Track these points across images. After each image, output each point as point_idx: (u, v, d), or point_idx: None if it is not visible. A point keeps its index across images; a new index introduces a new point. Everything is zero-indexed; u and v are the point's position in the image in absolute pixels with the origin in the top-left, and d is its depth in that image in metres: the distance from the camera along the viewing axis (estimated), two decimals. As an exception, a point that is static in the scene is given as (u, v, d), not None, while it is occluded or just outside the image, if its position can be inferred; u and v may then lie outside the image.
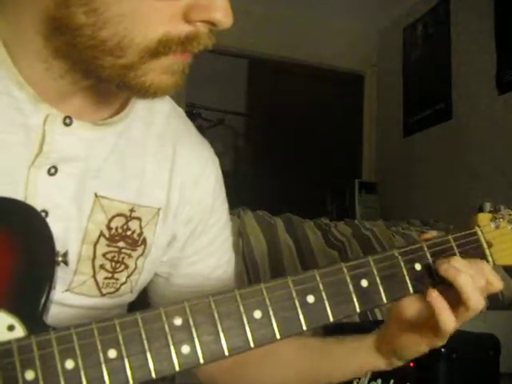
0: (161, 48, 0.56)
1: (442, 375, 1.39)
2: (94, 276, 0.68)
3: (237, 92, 4.21)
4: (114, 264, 0.69)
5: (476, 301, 0.63)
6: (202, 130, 4.10)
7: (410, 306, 0.68)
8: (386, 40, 4.15)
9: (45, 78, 0.61)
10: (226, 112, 4.36)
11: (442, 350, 1.38)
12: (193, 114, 4.10)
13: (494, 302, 2.06)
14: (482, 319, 1.94)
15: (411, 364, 1.40)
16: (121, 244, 0.69)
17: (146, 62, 0.57)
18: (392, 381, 1.38)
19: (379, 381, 1.38)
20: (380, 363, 0.74)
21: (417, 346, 0.69)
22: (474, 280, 0.64)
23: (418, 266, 0.66)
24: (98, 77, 0.59)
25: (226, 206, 0.84)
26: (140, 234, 0.71)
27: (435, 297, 0.64)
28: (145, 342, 0.51)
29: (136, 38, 0.55)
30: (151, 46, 0.56)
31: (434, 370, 1.38)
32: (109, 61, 0.56)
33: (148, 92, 0.59)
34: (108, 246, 0.68)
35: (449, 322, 0.64)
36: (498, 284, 0.66)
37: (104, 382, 0.49)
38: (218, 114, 4.35)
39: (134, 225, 0.70)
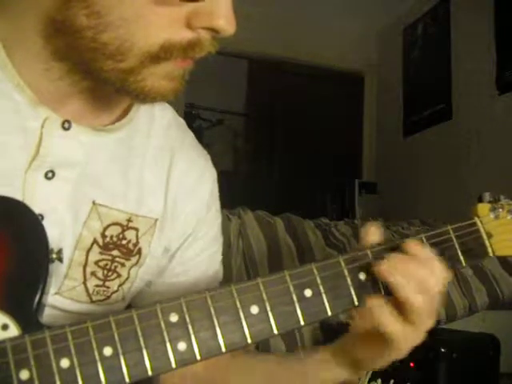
0: (162, 53, 0.55)
1: (442, 375, 1.39)
2: (84, 282, 0.67)
3: (237, 92, 4.21)
4: (105, 272, 0.68)
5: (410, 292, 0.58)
6: (201, 130, 4.10)
7: (361, 319, 0.63)
8: (386, 40, 4.15)
9: (44, 80, 0.61)
10: (226, 112, 4.36)
11: (442, 349, 1.38)
12: (192, 114, 4.11)
13: (494, 302, 2.05)
14: (482, 319, 1.94)
15: (411, 364, 1.40)
16: (115, 253, 0.68)
17: (146, 67, 0.56)
18: (392, 381, 1.37)
19: (379, 381, 1.38)
20: (338, 374, 0.70)
21: (372, 359, 0.65)
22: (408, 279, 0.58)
23: None
24: (98, 78, 0.58)
25: (218, 219, 0.83)
26: (136, 244, 0.70)
27: (372, 306, 0.60)
28: (140, 339, 0.50)
29: (137, 42, 0.54)
30: (152, 51, 0.55)
31: (434, 370, 1.38)
32: (109, 64, 0.56)
33: (147, 97, 0.59)
34: (101, 253, 0.67)
35: (391, 328, 0.59)
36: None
37: (100, 380, 0.49)
38: (218, 114, 4.36)
39: (130, 234, 0.70)
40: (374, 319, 0.59)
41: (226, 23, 0.55)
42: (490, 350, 1.52)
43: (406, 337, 0.60)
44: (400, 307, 0.59)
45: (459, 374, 1.42)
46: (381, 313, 0.59)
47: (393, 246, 0.63)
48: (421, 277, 0.59)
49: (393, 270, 0.59)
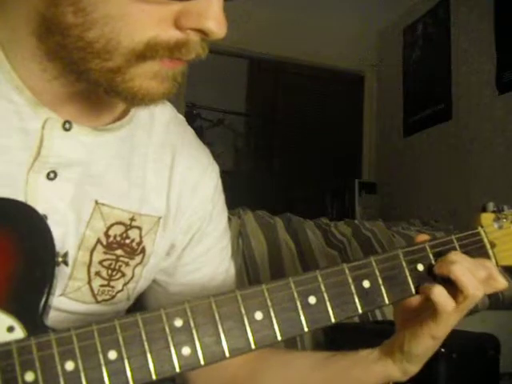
0: (148, 52, 0.55)
1: (441, 375, 1.38)
2: (89, 282, 0.67)
3: (237, 92, 4.21)
4: (110, 272, 0.68)
5: (473, 288, 0.62)
6: (201, 130, 4.10)
7: (410, 304, 0.68)
8: (385, 40, 4.15)
9: (41, 81, 0.61)
10: (226, 112, 4.36)
11: (442, 350, 1.38)
12: (193, 114, 4.10)
13: (494, 302, 2.05)
14: (482, 319, 1.94)
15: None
16: (119, 252, 0.69)
17: (133, 66, 0.55)
18: (391, 382, 1.38)
19: (379, 381, 1.38)
20: (392, 371, 0.71)
21: (418, 338, 0.66)
22: (470, 270, 0.63)
23: (420, 267, 0.65)
24: (88, 80, 0.58)
25: (224, 214, 0.83)
26: (139, 243, 0.71)
27: (432, 288, 0.63)
28: (145, 343, 0.51)
29: (123, 40, 0.54)
30: (138, 49, 0.54)
31: (434, 369, 1.38)
32: (97, 63, 0.55)
33: (136, 98, 0.58)
34: (105, 253, 0.67)
35: (444, 300, 0.63)
36: (501, 281, 0.65)
37: (104, 383, 0.49)
38: (218, 114, 4.35)
39: (133, 234, 0.70)
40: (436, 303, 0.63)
41: (215, 25, 0.54)
42: (490, 350, 1.52)
43: (453, 318, 0.64)
44: (456, 295, 0.64)
45: (459, 374, 1.42)
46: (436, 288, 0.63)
47: (390, 256, 0.65)
48: (481, 276, 0.65)
49: (465, 269, 0.63)
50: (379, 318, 1.89)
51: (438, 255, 0.66)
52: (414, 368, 0.70)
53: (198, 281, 0.79)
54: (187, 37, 0.55)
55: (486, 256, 0.70)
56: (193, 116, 4.09)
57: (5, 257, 0.53)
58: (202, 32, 0.55)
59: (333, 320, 0.59)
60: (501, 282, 0.65)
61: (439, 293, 0.63)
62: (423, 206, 3.48)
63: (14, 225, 0.55)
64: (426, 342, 0.66)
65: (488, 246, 0.71)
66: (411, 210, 3.52)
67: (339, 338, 1.66)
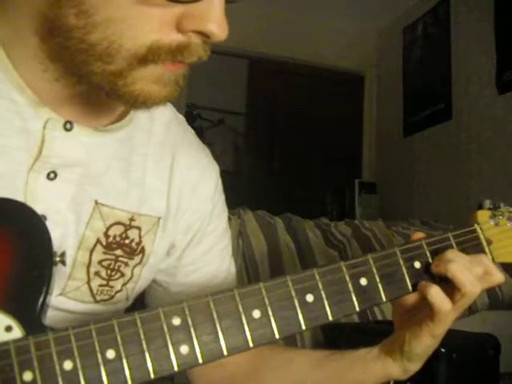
0: (150, 55, 0.54)
1: (441, 375, 1.39)
2: (88, 282, 0.67)
3: (237, 92, 4.21)
4: (109, 272, 0.68)
5: (470, 284, 0.63)
6: (201, 130, 4.11)
7: (407, 302, 0.68)
8: (385, 40, 4.15)
9: (43, 81, 0.60)
10: (226, 112, 4.37)
11: (442, 350, 1.38)
12: (193, 114, 4.11)
13: (494, 301, 2.06)
14: (482, 319, 1.94)
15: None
16: (118, 252, 0.69)
17: (135, 70, 0.55)
18: (392, 381, 1.38)
19: (379, 381, 1.38)
20: (392, 370, 0.71)
21: (418, 338, 0.67)
22: (467, 267, 0.64)
23: (417, 264, 0.65)
24: (90, 82, 0.57)
25: (225, 213, 0.83)
26: (139, 243, 0.71)
27: (428, 289, 0.63)
28: (143, 342, 0.51)
29: (125, 43, 0.53)
30: (140, 52, 0.54)
31: (434, 369, 1.38)
32: (98, 66, 0.55)
33: (137, 101, 0.57)
34: (104, 253, 0.68)
35: (440, 301, 0.63)
36: (498, 275, 0.65)
37: (102, 382, 0.49)
38: (218, 114, 4.36)
39: (133, 234, 0.70)
40: (432, 302, 0.63)
41: (217, 28, 0.54)
42: (489, 350, 1.52)
43: (451, 316, 0.65)
44: (454, 293, 0.64)
45: (459, 374, 1.42)
46: (431, 288, 0.63)
47: (387, 254, 0.65)
48: (478, 273, 0.65)
49: (461, 267, 0.64)
50: (379, 317, 1.89)
51: (435, 253, 0.67)
52: (414, 367, 0.70)
53: (199, 281, 0.79)
54: (189, 39, 0.55)
55: (483, 253, 0.70)
56: (193, 116, 4.09)
57: (2, 257, 0.53)
58: (204, 34, 0.55)
59: (330, 318, 0.59)
60: (498, 276, 0.66)
61: (435, 293, 0.63)
62: (423, 206, 3.49)
63: (12, 225, 0.55)
64: (426, 341, 0.67)
65: (484, 243, 0.71)
66: (411, 210, 3.52)
67: (339, 338, 1.66)
